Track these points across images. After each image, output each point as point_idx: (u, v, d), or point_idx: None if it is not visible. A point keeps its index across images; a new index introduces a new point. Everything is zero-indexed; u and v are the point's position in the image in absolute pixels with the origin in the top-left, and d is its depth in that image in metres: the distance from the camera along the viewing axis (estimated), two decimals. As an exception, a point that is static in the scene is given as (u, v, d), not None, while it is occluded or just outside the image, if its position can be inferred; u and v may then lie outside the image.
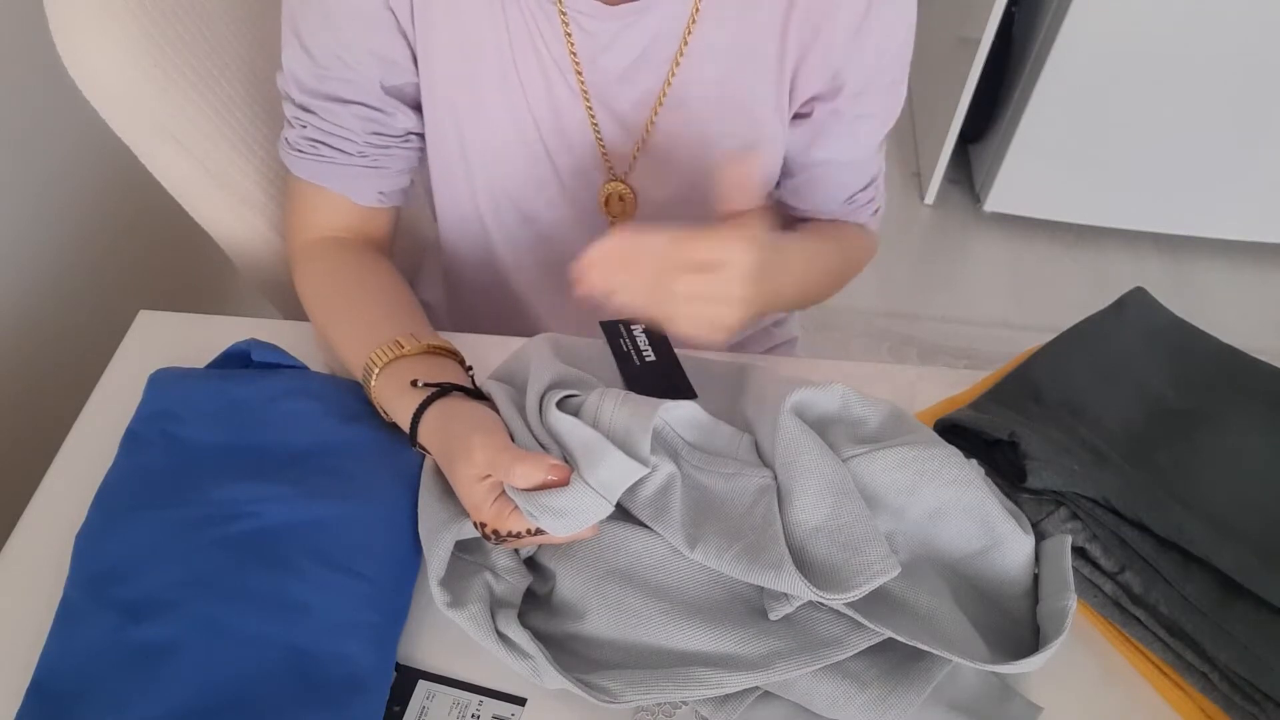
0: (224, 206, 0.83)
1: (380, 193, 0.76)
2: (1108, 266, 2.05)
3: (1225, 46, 1.70)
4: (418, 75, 0.73)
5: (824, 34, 0.71)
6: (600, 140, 0.76)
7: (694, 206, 0.81)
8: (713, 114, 0.75)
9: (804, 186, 0.82)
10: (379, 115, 0.73)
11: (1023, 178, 1.98)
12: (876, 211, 0.86)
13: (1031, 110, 1.85)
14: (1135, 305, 0.78)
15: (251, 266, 0.89)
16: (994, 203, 2.03)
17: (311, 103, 0.72)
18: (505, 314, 0.89)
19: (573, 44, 0.70)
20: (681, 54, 0.71)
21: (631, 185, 0.79)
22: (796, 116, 0.78)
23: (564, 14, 0.69)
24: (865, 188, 0.83)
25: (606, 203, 0.80)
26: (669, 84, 0.73)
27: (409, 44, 0.71)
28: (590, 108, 0.74)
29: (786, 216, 0.88)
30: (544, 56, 0.71)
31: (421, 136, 0.77)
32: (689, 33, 0.70)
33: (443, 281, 0.93)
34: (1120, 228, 2.03)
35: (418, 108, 0.75)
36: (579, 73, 0.72)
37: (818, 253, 0.82)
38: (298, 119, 0.73)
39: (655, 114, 0.74)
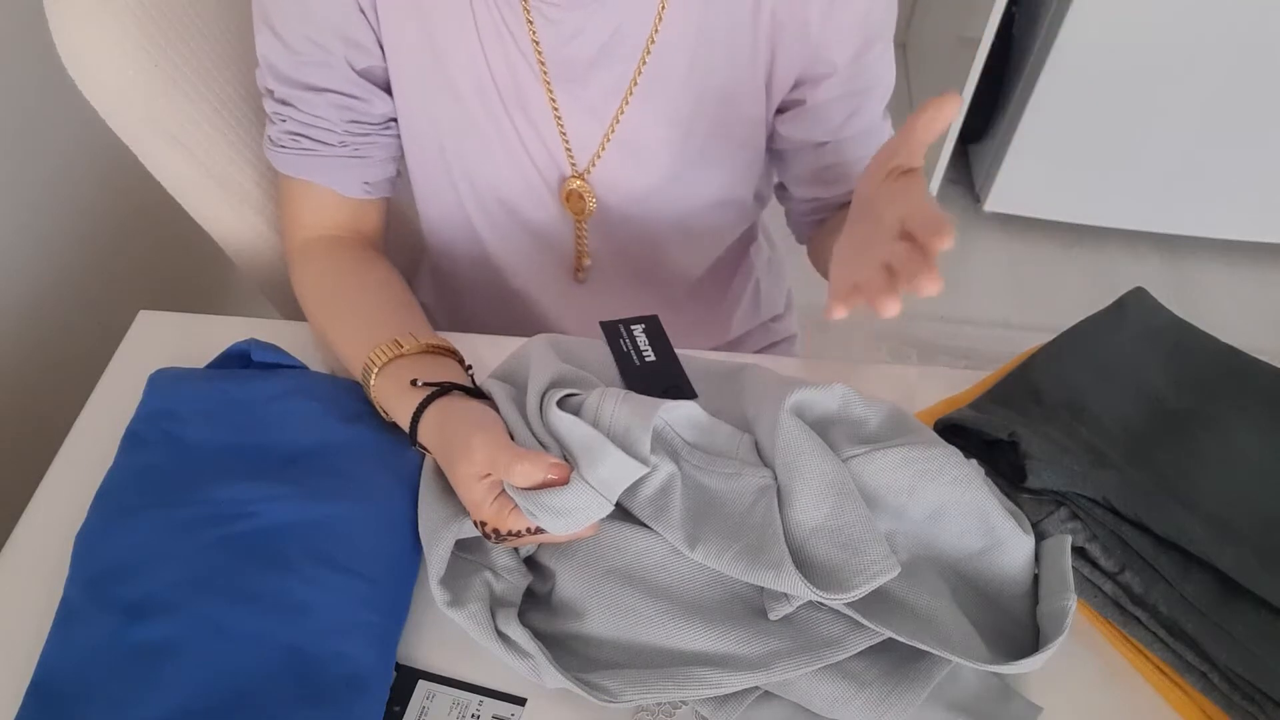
0: (224, 206, 0.83)
1: (365, 183, 0.76)
2: (1108, 266, 2.05)
3: (1225, 46, 1.70)
4: (384, 59, 0.73)
5: (796, 17, 0.71)
6: (564, 132, 0.75)
7: (662, 199, 0.80)
8: (686, 101, 0.75)
9: (831, 171, 0.82)
10: (355, 102, 0.73)
11: (1023, 178, 1.98)
12: None
13: (1031, 110, 1.84)
14: (1135, 305, 0.78)
15: (251, 266, 0.89)
16: (994, 203, 2.03)
17: (289, 94, 0.72)
18: (499, 315, 0.89)
19: (534, 32, 0.70)
20: (653, 41, 0.71)
21: (591, 182, 0.78)
22: (791, 105, 0.78)
23: (526, 6, 0.69)
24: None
25: (567, 199, 0.80)
26: (640, 72, 0.72)
27: (373, 28, 0.71)
28: (554, 99, 0.73)
29: (810, 218, 0.88)
30: (509, 45, 0.71)
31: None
32: (659, 20, 0.70)
33: (433, 284, 0.93)
34: (1120, 228, 2.03)
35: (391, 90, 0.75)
36: (541, 62, 0.71)
37: None
38: (278, 114, 0.73)
39: (626, 103, 0.74)
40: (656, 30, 0.71)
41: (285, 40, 0.70)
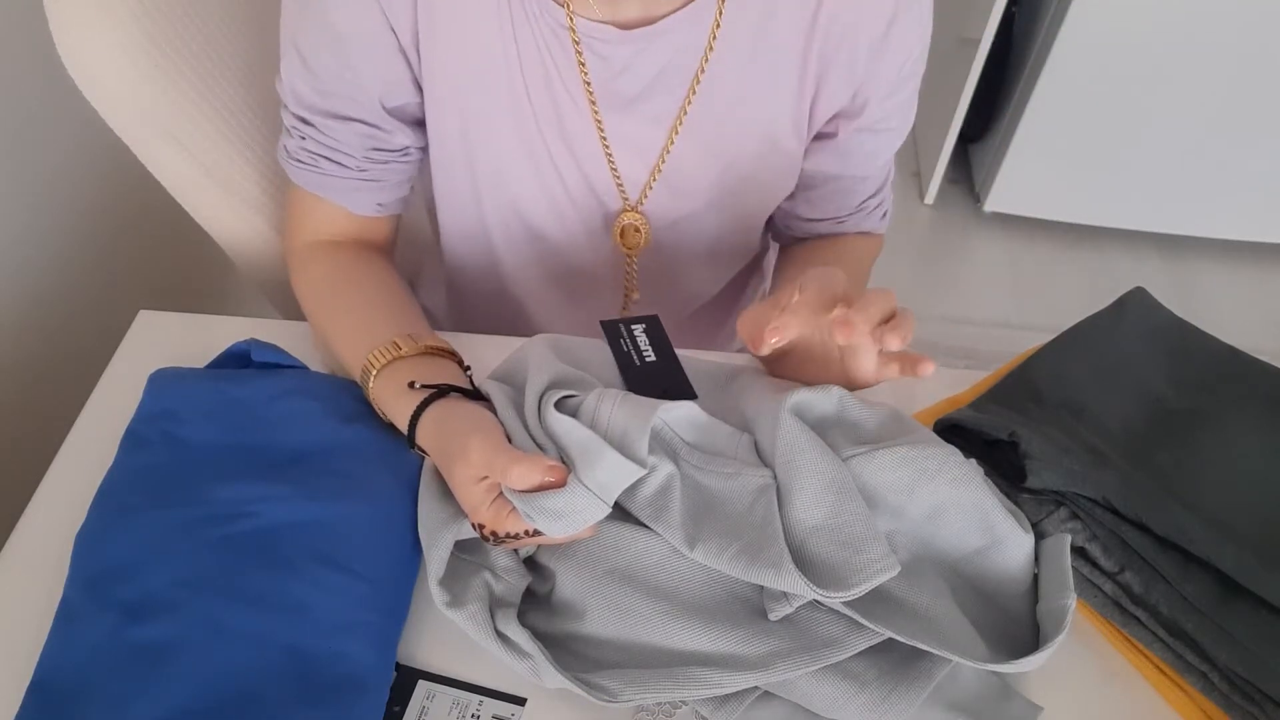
0: (224, 206, 0.83)
1: (379, 204, 0.76)
2: (1108, 266, 2.06)
3: (1224, 46, 1.71)
4: (419, 95, 0.72)
5: (845, 54, 0.71)
6: (614, 168, 0.75)
7: (706, 225, 0.81)
8: (730, 137, 0.74)
9: (820, 199, 0.82)
10: (378, 133, 0.72)
11: (1023, 178, 1.98)
12: (884, 215, 0.87)
13: (1031, 110, 1.85)
14: (1135, 305, 0.78)
15: (251, 266, 0.89)
16: (994, 203, 2.03)
17: (311, 117, 0.71)
18: (508, 323, 0.89)
19: (585, 69, 0.69)
20: (699, 79, 0.70)
21: (645, 213, 0.78)
22: (820, 136, 0.78)
23: (576, 39, 0.68)
24: (876, 193, 0.83)
25: (622, 234, 0.79)
26: (686, 109, 0.72)
27: (409, 65, 0.70)
28: (604, 136, 0.73)
29: (785, 232, 0.88)
30: (554, 80, 0.70)
31: (421, 150, 0.76)
32: (706, 56, 0.70)
33: (445, 291, 0.93)
34: (1120, 228, 2.03)
35: (417, 124, 0.74)
36: (591, 100, 0.71)
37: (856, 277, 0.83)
38: (296, 130, 0.72)
39: (672, 139, 0.74)
40: (705, 62, 0.70)
41: (314, 71, 0.68)
